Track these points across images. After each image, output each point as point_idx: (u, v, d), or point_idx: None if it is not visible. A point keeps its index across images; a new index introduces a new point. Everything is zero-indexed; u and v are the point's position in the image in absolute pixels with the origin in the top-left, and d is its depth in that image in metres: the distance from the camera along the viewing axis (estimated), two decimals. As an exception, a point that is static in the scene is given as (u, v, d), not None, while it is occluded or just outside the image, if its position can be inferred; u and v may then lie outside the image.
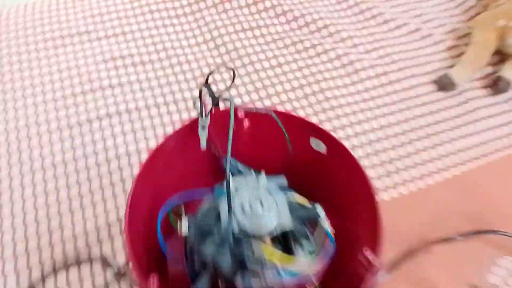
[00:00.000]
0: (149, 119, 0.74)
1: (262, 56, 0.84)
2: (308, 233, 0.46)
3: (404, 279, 0.61)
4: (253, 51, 0.84)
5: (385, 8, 0.93)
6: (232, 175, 0.52)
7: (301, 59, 0.84)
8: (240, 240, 0.41)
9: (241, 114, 0.51)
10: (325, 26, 0.88)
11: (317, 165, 0.52)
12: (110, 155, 0.69)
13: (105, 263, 0.58)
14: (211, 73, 0.47)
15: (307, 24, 0.89)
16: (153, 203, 0.47)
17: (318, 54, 0.84)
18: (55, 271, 0.58)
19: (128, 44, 0.84)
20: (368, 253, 0.41)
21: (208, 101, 0.46)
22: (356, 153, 0.71)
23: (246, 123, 0.52)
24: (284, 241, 0.47)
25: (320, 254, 0.42)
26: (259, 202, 0.42)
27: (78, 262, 0.58)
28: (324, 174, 0.52)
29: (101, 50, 0.82)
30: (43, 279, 0.57)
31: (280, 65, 0.83)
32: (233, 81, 0.50)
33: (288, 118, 0.51)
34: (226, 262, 0.38)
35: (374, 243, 0.42)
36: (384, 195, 0.67)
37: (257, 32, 0.88)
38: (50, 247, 0.60)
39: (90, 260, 0.58)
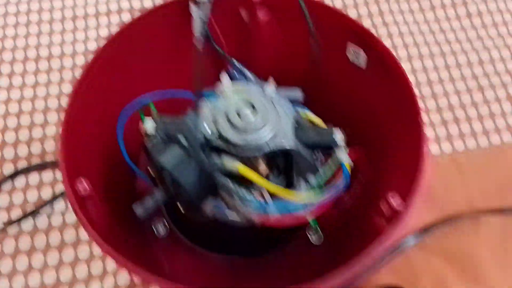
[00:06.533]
0: None
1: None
2: (317, 163, 0.35)
3: (440, 250, 0.49)
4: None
5: None
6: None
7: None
8: (217, 152, 0.30)
9: (256, -4, 0.38)
10: None
11: (349, 84, 0.40)
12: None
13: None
14: None
15: None
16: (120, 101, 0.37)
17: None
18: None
19: None
20: (394, 199, 0.29)
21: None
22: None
23: (263, 14, 0.39)
24: (286, 171, 0.36)
25: (326, 190, 0.31)
26: (252, 108, 0.31)
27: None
28: (356, 96, 0.40)
29: None
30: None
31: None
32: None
33: (323, 13, 0.38)
34: (190, 176, 0.28)
35: (406, 188, 0.30)
36: (441, 148, 0.56)
37: None
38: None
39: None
